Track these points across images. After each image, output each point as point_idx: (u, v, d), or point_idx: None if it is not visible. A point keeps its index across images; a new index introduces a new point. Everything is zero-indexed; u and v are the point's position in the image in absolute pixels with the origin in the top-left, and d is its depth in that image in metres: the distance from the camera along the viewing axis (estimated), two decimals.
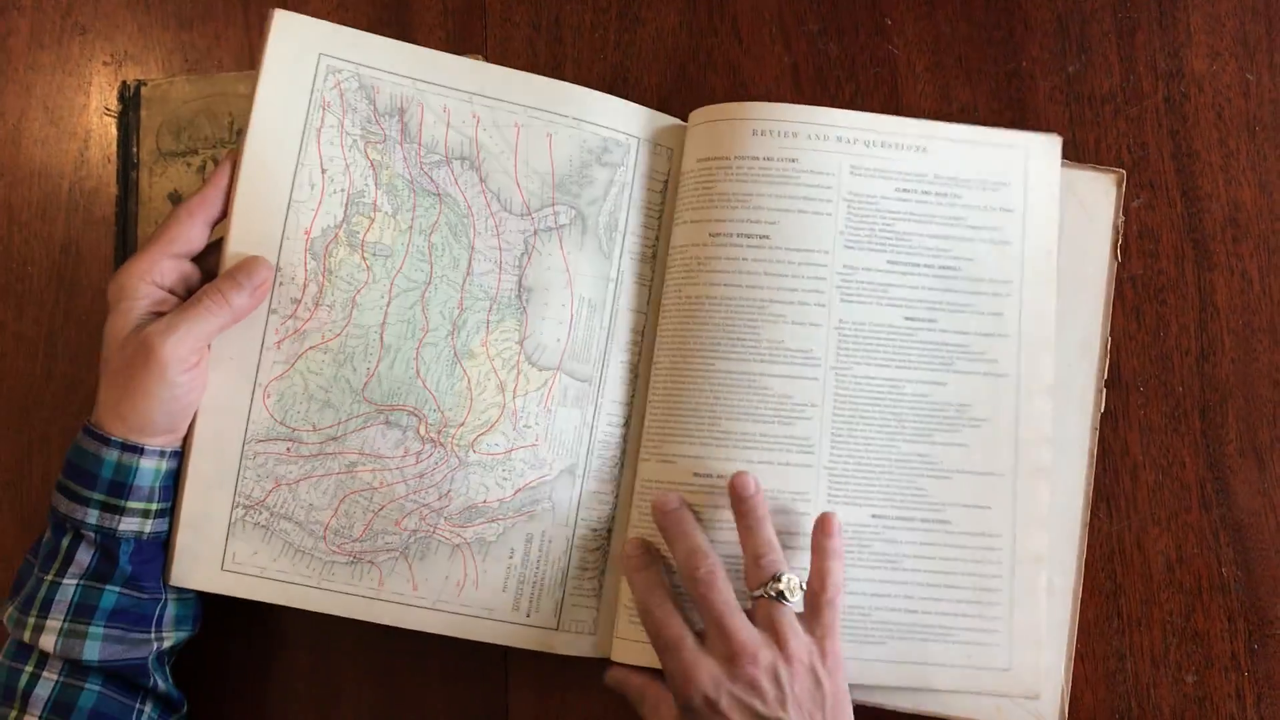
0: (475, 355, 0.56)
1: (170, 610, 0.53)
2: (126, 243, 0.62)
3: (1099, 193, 0.59)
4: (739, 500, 0.52)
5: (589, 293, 0.57)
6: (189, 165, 0.62)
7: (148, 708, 0.52)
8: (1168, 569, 0.58)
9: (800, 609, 0.51)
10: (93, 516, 0.51)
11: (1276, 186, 0.60)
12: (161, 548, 0.53)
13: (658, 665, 0.52)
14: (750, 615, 0.50)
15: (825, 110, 0.56)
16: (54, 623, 0.50)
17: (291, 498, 0.54)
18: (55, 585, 0.51)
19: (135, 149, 0.62)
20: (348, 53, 0.55)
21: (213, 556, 0.53)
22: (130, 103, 0.63)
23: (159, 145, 0.62)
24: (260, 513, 0.54)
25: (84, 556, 0.51)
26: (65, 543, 0.51)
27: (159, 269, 0.52)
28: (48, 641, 0.50)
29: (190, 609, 0.54)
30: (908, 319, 0.56)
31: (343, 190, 0.55)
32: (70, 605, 0.50)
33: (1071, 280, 0.58)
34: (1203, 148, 0.60)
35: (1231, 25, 0.61)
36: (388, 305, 0.55)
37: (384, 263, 0.55)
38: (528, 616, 0.55)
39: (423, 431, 0.55)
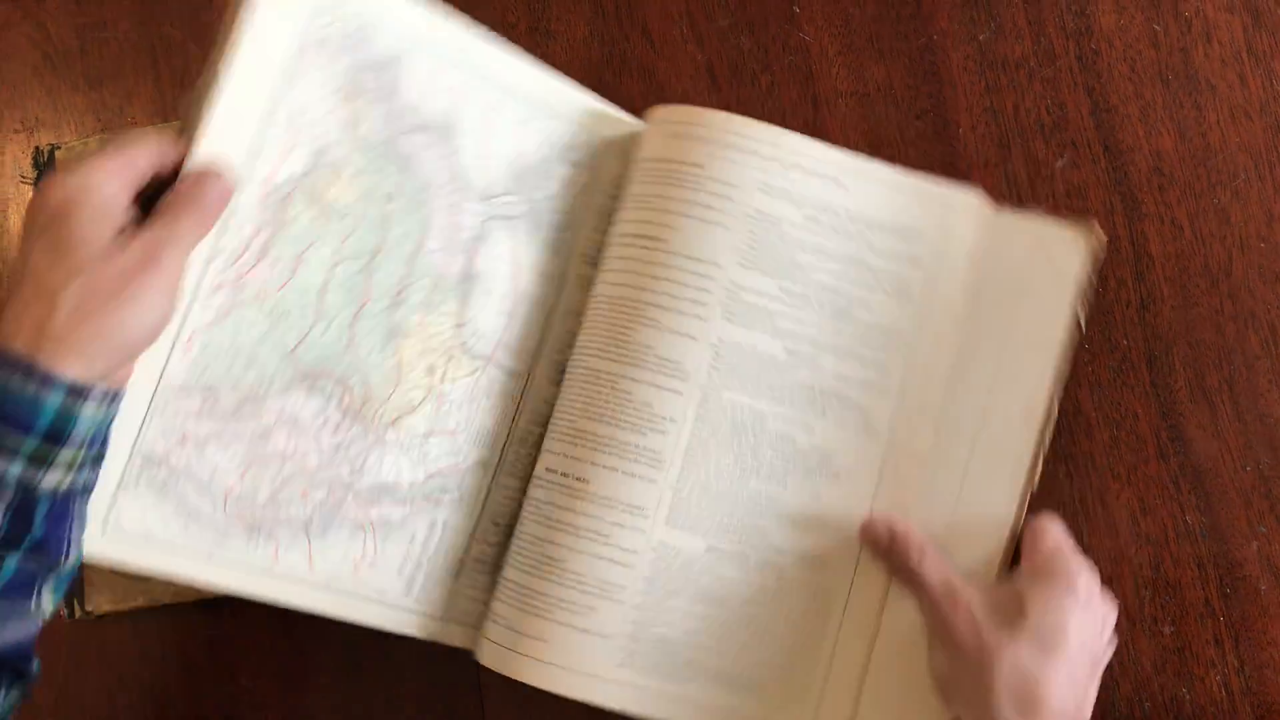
0: (410, 333, 0.54)
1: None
2: None
3: (1065, 244, 0.55)
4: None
5: (532, 288, 0.56)
6: None
7: (12, 694, 0.44)
8: (1133, 523, 0.57)
9: None
10: (16, 469, 0.42)
11: (1195, 132, 0.60)
12: (71, 503, 0.46)
13: (519, 678, 0.51)
14: None
15: (747, 122, 0.54)
16: None
17: (197, 457, 0.50)
18: None
19: None
20: None
21: (94, 516, 0.48)
22: (45, 167, 0.62)
23: None
24: (159, 469, 0.49)
25: None
26: None
27: (134, 176, 0.45)
28: None
29: (69, 578, 0.47)
30: (789, 352, 0.53)
31: (314, 140, 0.51)
32: None
33: (1022, 334, 0.55)
34: (1119, 102, 0.60)
35: None
36: (334, 268, 0.52)
37: (339, 224, 0.52)
38: (416, 603, 0.54)
39: (345, 403, 0.53)
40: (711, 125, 0.54)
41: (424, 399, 0.54)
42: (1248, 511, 0.57)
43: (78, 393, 0.43)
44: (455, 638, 0.55)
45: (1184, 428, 0.58)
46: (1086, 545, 0.57)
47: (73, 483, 0.44)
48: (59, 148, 0.62)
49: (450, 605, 0.55)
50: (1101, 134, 0.60)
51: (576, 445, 0.53)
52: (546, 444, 0.54)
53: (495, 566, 0.55)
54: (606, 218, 0.58)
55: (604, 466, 0.52)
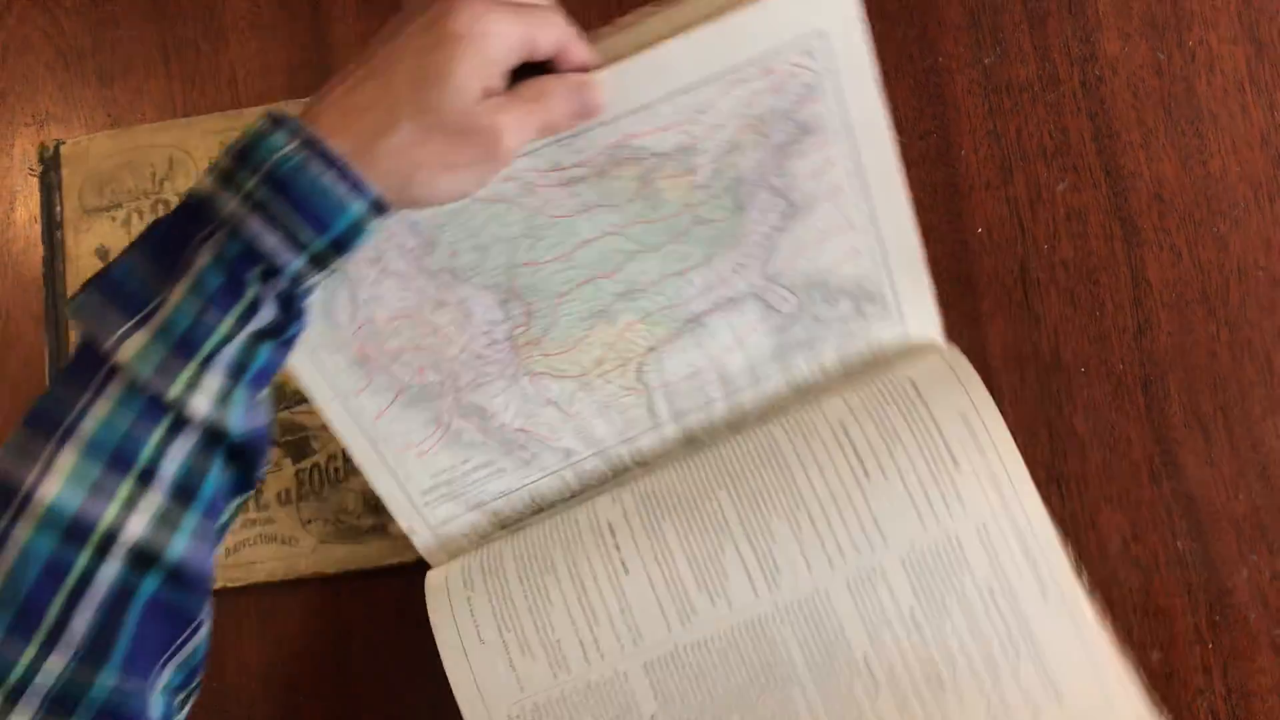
0: (613, 325, 0.54)
1: None
2: (56, 302, 0.61)
3: None
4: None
5: (731, 370, 0.55)
6: (114, 219, 0.62)
7: (237, 502, 0.44)
8: (1123, 547, 0.57)
9: None
10: (296, 265, 0.41)
11: (1196, 161, 0.60)
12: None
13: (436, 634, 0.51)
14: None
15: (1015, 459, 0.49)
16: (213, 381, 0.40)
17: (372, 281, 0.51)
18: (229, 337, 0.40)
19: (59, 208, 0.62)
20: (837, 50, 0.49)
21: None
22: (50, 163, 0.63)
23: (82, 202, 0.62)
24: (338, 277, 0.50)
25: (269, 309, 0.41)
26: (254, 282, 0.40)
27: (531, 49, 0.43)
28: (199, 404, 0.40)
29: None
30: (867, 662, 0.49)
31: (689, 136, 0.50)
32: (232, 363, 0.40)
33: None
34: (1121, 128, 0.61)
35: (1139, 7, 0.62)
36: (608, 236, 0.52)
37: (645, 208, 0.52)
38: (423, 503, 0.55)
39: (517, 332, 0.53)
40: (986, 432, 0.50)
41: (574, 377, 0.55)
42: (1239, 539, 0.57)
43: (377, 210, 0.41)
44: (427, 549, 0.56)
45: (1177, 454, 0.58)
46: (1076, 567, 0.57)
47: (317, 285, 0.43)
48: (64, 143, 0.63)
49: (444, 524, 0.56)
50: (1103, 159, 0.61)
51: (646, 533, 0.51)
52: (622, 493, 0.54)
53: (502, 526, 0.56)
54: (843, 374, 0.56)
55: (647, 573, 0.50)
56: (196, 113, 0.63)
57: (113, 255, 0.60)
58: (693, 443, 0.56)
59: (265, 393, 0.44)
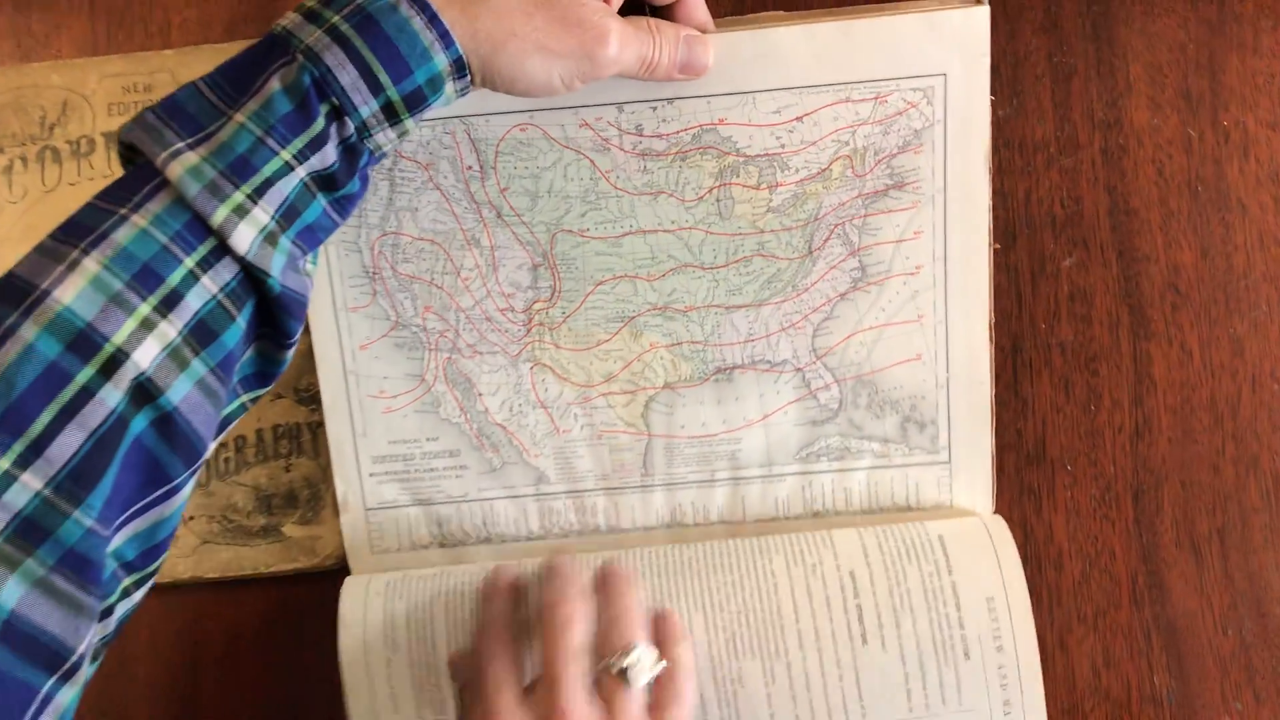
0: (636, 340, 0.50)
1: None
2: None
3: None
4: (605, 573, 0.45)
5: (748, 455, 0.51)
6: None
7: (252, 396, 0.42)
8: (1094, 674, 0.51)
9: (647, 696, 0.43)
10: (365, 111, 0.38)
11: (1219, 252, 0.54)
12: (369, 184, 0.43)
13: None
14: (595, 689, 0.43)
15: (1033, 664, 0.47)
16: (262, 215, 0.37)
17: (416, 193, 0.48)
18: (287, 168, 0.37)
19: None
20: (955, 99, 0.49)
21: None
22: None
23: None
24: (383, 168, 0.48)
25: (332, 151, 0.38)
26: (322, 117, 0.38)
27: None
28: (243, 236, 0.37)
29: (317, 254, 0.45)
30: None
31: (783, 145, 0.48)
32: (285, 201, 0.38)
33: None
34: (1141, 206, 0.55)
35: (1174, 77, 0.56)
36: (664, 233, 0.48)
37: (713, 216, 0.49)
38: (370, 475, 0.51)
39: (537, 308, 0.49)
40: (1011, 628, 0.47)
41: (577, 385, 0.50)
42: (1223, 682, 0.51)
43: (458, 71, 0.40)
44: (351, 535, 0.51)
45: (1164, 575, 0.52)
46: None
47: (384, 150, 0.41)
48: None
49: (381, 510, 0.51)
50: (1117, 238, 0.55)
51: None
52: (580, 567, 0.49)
53: (442, 544, 0.52)
54: (866, 512, 0.52)
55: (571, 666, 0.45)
56: None
57: None
58: (678, 529, 0.51)
59: (310, 264, 0.41)
